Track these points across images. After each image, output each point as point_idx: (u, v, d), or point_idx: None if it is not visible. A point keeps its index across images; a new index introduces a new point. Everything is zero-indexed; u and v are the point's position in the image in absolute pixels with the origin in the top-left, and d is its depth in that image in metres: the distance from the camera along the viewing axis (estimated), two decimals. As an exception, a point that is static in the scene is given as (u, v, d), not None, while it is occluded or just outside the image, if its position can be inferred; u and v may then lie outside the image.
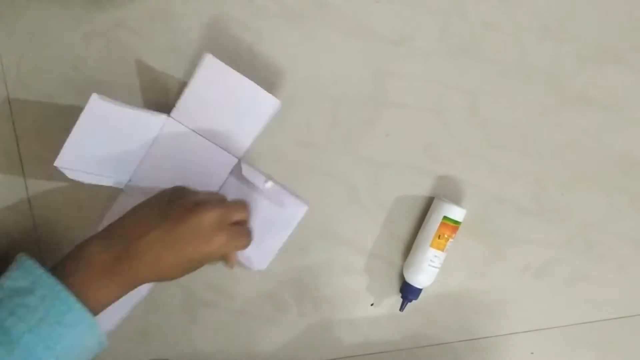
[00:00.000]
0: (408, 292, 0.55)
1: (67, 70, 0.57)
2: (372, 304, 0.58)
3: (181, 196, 0.47)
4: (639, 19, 0.57)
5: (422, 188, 0.57)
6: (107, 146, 0.52)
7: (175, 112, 0.54)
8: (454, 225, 0.53)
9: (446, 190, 0.56)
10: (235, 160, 0.55)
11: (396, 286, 0.57)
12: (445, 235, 0.53)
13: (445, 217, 0.53)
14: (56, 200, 0.57)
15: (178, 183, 0.49)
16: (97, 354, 0.43)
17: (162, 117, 0.54)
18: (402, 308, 0.55)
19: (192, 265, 0.47)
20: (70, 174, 0.49)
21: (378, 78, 0.56)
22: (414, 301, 0.56)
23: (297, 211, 0.55)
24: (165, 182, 0.50)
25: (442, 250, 0.53)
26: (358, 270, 0.57)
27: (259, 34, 0.56)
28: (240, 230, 0.48)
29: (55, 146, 0.58)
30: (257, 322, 0.58)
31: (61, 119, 0.57)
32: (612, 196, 0.57)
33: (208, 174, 0.55)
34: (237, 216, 0.48)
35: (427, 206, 0.56)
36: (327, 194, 0.57)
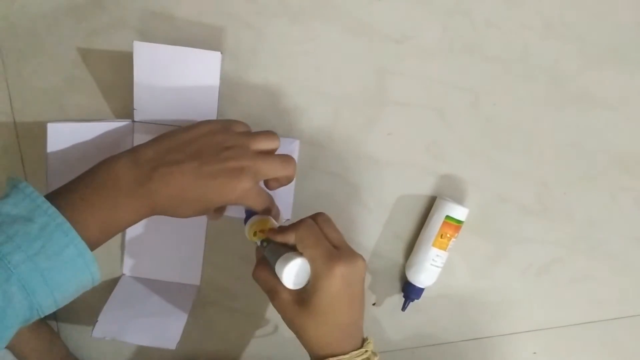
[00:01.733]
0: (410, 292, 0.55)
1: (68, 68, 0.57)
2: (373, 304, 0.57)
3: (224, 131, 0.45)
4: (642, 17, 0.56)
5: (424, 187, 0.56)
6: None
7: (137, 114, 0.53)
8: (456, 224, 0.53)
9: (448, 189, 0.56)
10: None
11: (398, 286, 0.57)
12: (448, 235, 0.53)
13: (447, 217, 0.53)
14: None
15: None
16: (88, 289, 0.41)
17: (128, 123, 0.53)
18: (404, 308, 0.55)
19: (207, 209, 0.45)
20: None
21: (380, 76, 0.56)
22: (415, 300, 0.55)
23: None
24: None
25: (445, 249, 0.53)
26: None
27: (261, 32, 0.56)
28: (262, 189, 0.46)
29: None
30: (258, 320, 0.57)
31: (63, 118, 0.57)
32: (615, 195, 0.57)
33: None
34: (270, 174, 0.45)
35: (429, 205, 0.56)
36: (329, 193, 0.56)
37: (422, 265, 0.53)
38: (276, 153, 0.47)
